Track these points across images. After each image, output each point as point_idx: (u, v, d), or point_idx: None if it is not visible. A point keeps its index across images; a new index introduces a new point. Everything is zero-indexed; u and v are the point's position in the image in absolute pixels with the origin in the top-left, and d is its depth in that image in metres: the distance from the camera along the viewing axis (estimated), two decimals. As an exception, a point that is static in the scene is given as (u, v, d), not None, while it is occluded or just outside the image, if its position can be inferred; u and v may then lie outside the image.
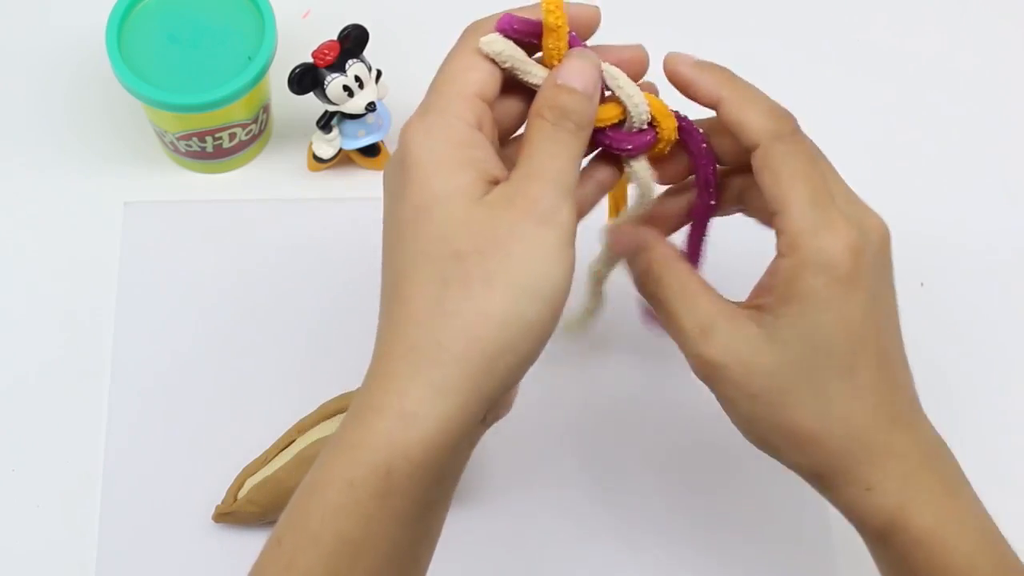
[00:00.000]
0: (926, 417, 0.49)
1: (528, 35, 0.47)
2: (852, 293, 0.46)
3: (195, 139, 0.66)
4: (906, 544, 0.46)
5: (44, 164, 0.70)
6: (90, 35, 0.68)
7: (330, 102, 0.64)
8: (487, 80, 0.46)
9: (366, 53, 0.64)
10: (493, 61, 0.46)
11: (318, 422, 0.60)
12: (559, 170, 0.44)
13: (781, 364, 0.46)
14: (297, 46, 0.66)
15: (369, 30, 0.64)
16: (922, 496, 0.47)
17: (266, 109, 0.68)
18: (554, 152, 0.44)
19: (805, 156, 0.47)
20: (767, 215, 0.47)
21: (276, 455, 0.60)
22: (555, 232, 0.43)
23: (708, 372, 0.47)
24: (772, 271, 0.47)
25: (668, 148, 0.50)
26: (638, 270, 0.50)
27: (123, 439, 0.62)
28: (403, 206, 0.43)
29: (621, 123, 0.48)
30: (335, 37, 0.64)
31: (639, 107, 0.48)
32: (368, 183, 0.70)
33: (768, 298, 0.47)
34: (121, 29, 0.64)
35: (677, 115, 0.49)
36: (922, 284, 0.69)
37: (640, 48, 0.49)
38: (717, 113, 0.48)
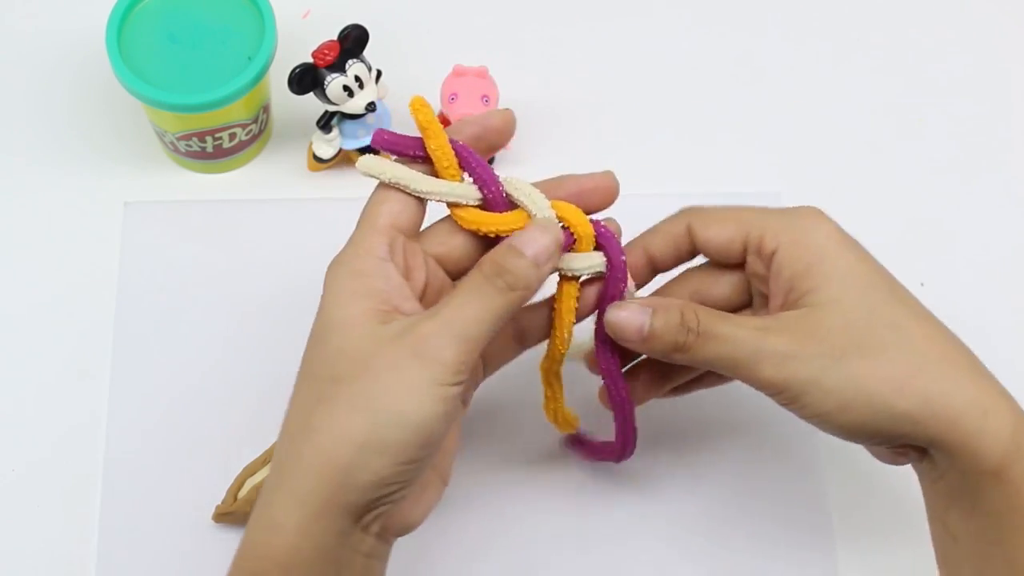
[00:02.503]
0: None
1: (405, 146, 0.49)
2: (849, 240, 0.49)
3: (195, 139, 0.66)
4: (1022, 478, 0.46)
5: (44, 164, 0.70)
6: (90, 35, 0.68)
7: (330, 102, 0.64)
8: (399, 210, 0.48)
9: (366, 53, 0.64)
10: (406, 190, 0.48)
11: (318, 422, 0.60)
12: (465, 319, 0.45)
13: (846, 317, 0.47)
14: (297, 46, 0.66)
15: (369, 30, 0.64)
16: None
17: (266, 109, 0.68)
18: (468, 302, 0.46)
19: (723, 205, 0.51)
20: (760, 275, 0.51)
21: (276, 455, 0.60)
22: (432, 370, 0.44)
23: (781, 365, 0.47)
24: (776, 272, 0.49)
25: (591, 248, 0.51)
26: (667, 323, 0.49)
27: (123, 439, 0.62)
28: (311, 332, 0.47)
29: None
30: (335, 37, 0.64)
31: (543, 210, 0.49)
32: (368, 183, 0.69)
33: (792, 292, 0.48)
34: (121, 29, 0.64)
35: (597, 223, 0.51)
36: (922, 284, 0.68)
37: (609, 175, 0.51)
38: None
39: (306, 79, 0.63)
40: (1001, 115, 0.74)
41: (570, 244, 0.50)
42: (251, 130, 0.68)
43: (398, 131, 0.51)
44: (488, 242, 0.50)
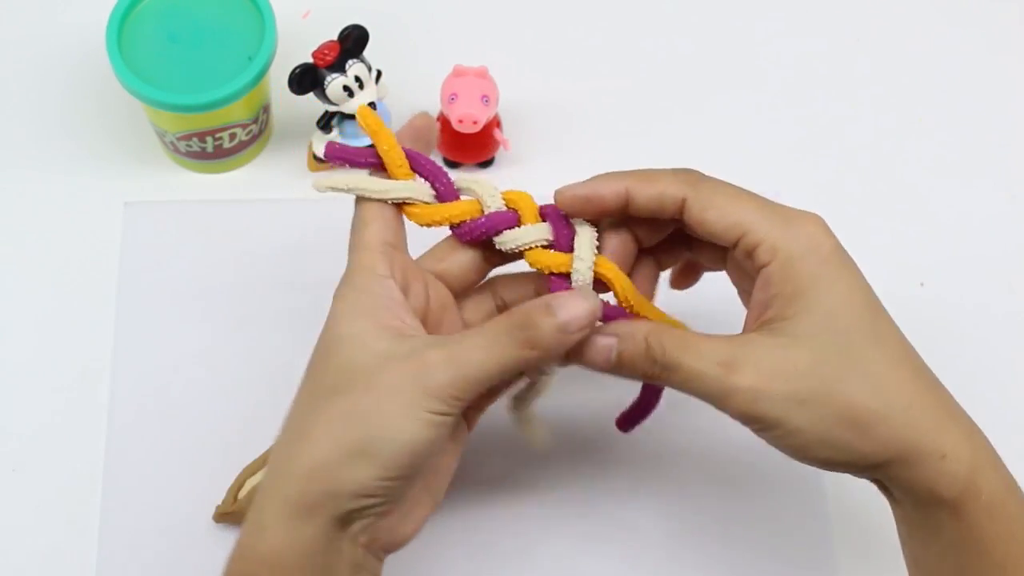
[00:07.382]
0: None
1: (357, 156, 0.51)
2: (845, 266, 0.48)
3: (195, 139, 0.66)
4: (978, 513, 0.46)
5: (44, 164, 0.70)
6: (90, 35, 0.68)
7: (330, 102, 0.64)
8: (385, 227, 0.50)
9: (366, 53, 0.64)
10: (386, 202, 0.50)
11: (318, 422, 0.60)
12: (472, 361, 0.45)
13: (817, 357, 0.46)
14: (297, 46, 0.66)
15: (369, 30, 0.64)
16: (989, 460, 0.47)
17: (266, 109, 0.68)
18: (482, 345, 0.46)
19: (727, 184, 0.50)
20: (717, 256, 0.51)
21: (276, 455, 0.60)
22: (427, 399, 0.45)
23: (750, 403, 0.46)
24: (762, 285, 0.48)
25: (536, 219, 0.51)
26: (634, 353, 0.48)
27: (123, 439, 0.62)
28: (317, 346, 0.48)
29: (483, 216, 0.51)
30: (335, 37, 0.64)
31: (493, 197, 0.51)
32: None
33: (770, 310, 0.47)
34: (121, 29, 0.64)
35: (544, 206, 0.51)
36: (922, 284, 0.69)
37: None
38: (630, 203, 0.49)
39: (306, 79, 0.63)
40: (1001, 115, 0.74)
41: (516, 217, 0.51)
42: (251, 130, 0.68)
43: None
44: (490, 259, 0.52)
